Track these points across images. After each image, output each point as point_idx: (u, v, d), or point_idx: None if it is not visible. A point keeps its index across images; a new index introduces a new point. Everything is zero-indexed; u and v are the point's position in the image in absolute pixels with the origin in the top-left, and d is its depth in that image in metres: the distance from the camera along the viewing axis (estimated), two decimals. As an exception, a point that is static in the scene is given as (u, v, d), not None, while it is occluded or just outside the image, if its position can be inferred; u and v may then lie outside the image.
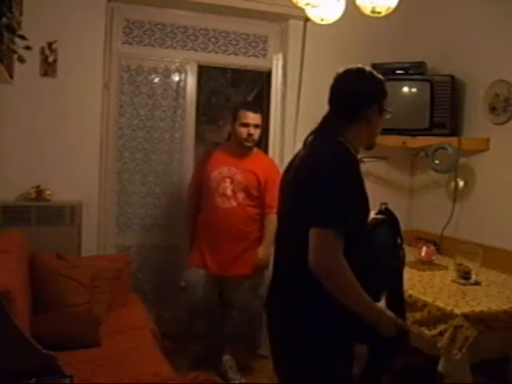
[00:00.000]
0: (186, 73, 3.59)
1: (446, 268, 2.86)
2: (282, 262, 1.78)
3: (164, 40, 3.50)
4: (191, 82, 3.60)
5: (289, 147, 3.52)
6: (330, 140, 1.69)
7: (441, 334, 2.16)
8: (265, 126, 3.30)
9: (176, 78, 3.58)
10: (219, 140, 4.27)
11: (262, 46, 3.70)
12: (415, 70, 3.45)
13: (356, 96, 1.73)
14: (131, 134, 3.49)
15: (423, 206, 3.70)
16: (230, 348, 3.21)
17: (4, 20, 1.92)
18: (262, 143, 3.50)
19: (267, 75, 3.77)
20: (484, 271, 2.68)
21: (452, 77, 3.29)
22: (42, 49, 3.07)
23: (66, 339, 2.33)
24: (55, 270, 2.64)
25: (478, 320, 2.13)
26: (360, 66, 1.76)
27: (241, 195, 3.05)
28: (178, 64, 3.57)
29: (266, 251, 3.01)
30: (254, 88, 4.41)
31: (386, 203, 1.84)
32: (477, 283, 2.55)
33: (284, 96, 3.56)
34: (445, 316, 2.17)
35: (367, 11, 2.45)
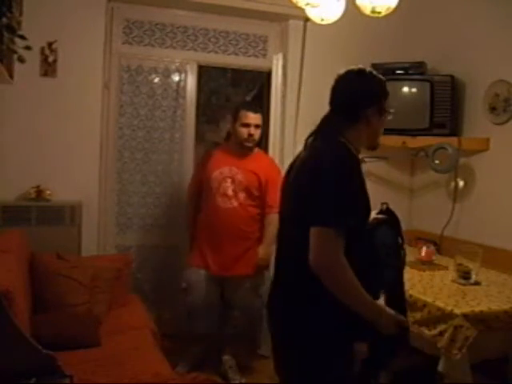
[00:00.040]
0: (185, 73, 3.59)
1: (446, 268, 2.86)
2: (283, 263, 1.78)
3: (164, 40, 3.50)
4: (191, 82, 3.60)
5: (289, 147, 3.52)
6: (330, 140, 1.70)
7: (441, 334, 2.16)
8: (265, 126, 3.30)
9: (176, 78, 3.58)
10: (219, 140, 4.27)
11: (262, 46, 3.70)
12: (415, 70, 3.45)
13: (356, 96, 1.74)
14: (131, 134, 3.49)
15: (423, 205, 3.70)
16: (230, 348, 3.21)
17: (4, 20, 1.92)
18: (262, 143, 3.50)
19: (267, 75, 3.77)
20: (484, 271, 2.68)
21: (452, 77, 3.29)
22: (42, 49, 3.07)
23: (66, 339, 2.32)
24: (55, 270, 2.64)
25: (478, 320, 2.13)
26: (361, 66, 1.77)
27: (242, 195, 3.05)
28: (178, 64, 3.57)
29: (266, 250, 3.01)
30: (253, 88, 4.42)
31: (386, 203, 1.84)
32: (477, 283, 2.55)
33: (284, 96, 3.56)
34: (445, 316, 2.17)
35: (367, 11, 2.45)
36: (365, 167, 1.73)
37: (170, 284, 3.51)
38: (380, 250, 1.71)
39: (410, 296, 2.34)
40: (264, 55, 3.70)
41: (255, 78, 4.32)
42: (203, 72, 3.92)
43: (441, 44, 3.49)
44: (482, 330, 2.11)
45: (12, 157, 3.05)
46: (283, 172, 3.26)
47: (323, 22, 2.65)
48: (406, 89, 3.41)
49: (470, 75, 3.28)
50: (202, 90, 4.14)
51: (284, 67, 3.55)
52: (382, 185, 3.70)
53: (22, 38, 2.08)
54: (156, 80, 3.54)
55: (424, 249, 3.02)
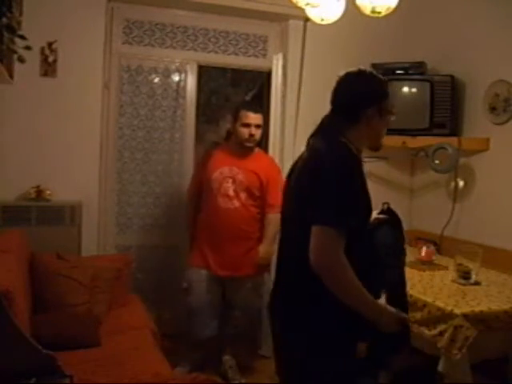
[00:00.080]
0: (186, 73, 3.59)
1: (446, 268, 2.86)
2: (284, 263, 1.79)
3: (164, 40, 3.50)
4: (191, 82, 3.60)
5: (289, 147, 3.52)
6: (331, 140, 1.70)
7: (441, 334, 2.16)
8: (265, 126, 3.30)
9: (176, 77, 3.58)
10: (218, 140, 4.26)
11: (262, 46, 3.70)
12: (415, 70, 3.45)
13: (354, 97, 1.75)
14: (131, 134, 3.49)
15: (423, 205, 3.70)
16: (231, 348, 3.21)
17: (4, 20, 1.92)
18: (262, 143, 3.50)
19: (267, 75, 3.77)
20: (484, 271, 2.68)
21: (452, 77, 3.29)
22: (42, 49, 3.07)
23: (66, 339, 2.32)
24: (55, 270, 2.64)
25: (478, 320, 2.13)
26: (361, 67, 1.77)
27: (243, 195, 3.04)
28: (178, 64, 3.57)
29: (267, 249, 3.01)
30: (253, 87, 4.42)
31: (387, 203, 1.85)
32: (477, 283, 2.55)
33: (284, 96, 3.56)
34: (445, 316, 2.17)
35: (367, 11, 2.45)
36: (365, 167, 1.73)
37: (170, 284, 3.51)
38: (381, 249, 1.72)
39: (410, 296, 2.33)
40: (264, 55, 3.70)
41: (255, 78, 4.31)
42: (203, 72, 3.92)
43: (441, 44, 3.49)
44: (482, 330, 2.11)
45: (12, 157, 3.05)
46: (283, 171, 3.29)
47: (323, 22, 2.65)
48: (405, 89, 3.41)
49: (470, 75, 3.27)
50: (202, 89, 4.14)
51: (284, 67, 3.55)
52: (382, 185, 3.70)
53: (22, 38, 2.08)
54: (156, 80, 3.54)
55: (424, 249, 3.02)
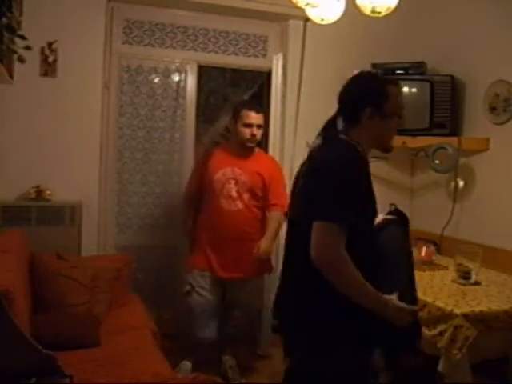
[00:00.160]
0: (185, 73, 3.59)
1: (446, 268, 2.86)
2: (291, 264, 1.80)
3: (164, 40, 3.50)
4: (191, 82, 3.60)
5: (289, 147, 3.52)
6: (335, 140, 1.73)
7: (441, 334, 2.16)
8: (265, 126, 3.29)
9: (176, 77, 3.58)
10: (217, 139, 4.25)
11: (262, 46, 3.70)
12: (415, 70, 3.44)
13: (353, 97, 1.77)
14: (131, 134, 3.49)
15: (423, 205, 3.70)
16: (231, 348, 3.21)
17: (4, 20, 1.92)
18: (262, 143, 3.50)
19: (267, 75, 3.77)
20: (484, 271, 2.68)
21: (452, 77, 3.29)
22: (42, 49, 3.07)
23: (66, 339, 2.32)
24: (55, 270, 2.64)
25: (478, 320, 2.13)
26: (367, 70, 1.80)
27: (246, 196, 3.02)
28: (178, 64, 3.57)
29: (267, 244, 3.00)
30: (252, 87, 4.41)
31: (394, 204, 1.87)
32: (477, 283, 2.54)
33: (284, 96, 3.56)
34: (445, 316, 2.17)
35: (367, 11, 2.45)
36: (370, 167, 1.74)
37: (170, 284, 3.51)
38: (391, 249, 1.73)
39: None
40: (264, 55, 3.70)
41: (255, 78, 4.31)
42: (203, 72, 3.92)
43: (441, 44, 3.49)
44: (482, 330, 2.11)
45: (12, 157, 3.05)
46: (283, 171, 3.29)
47: (323, 22, 2.65)
48: (405, 89, 3.40)
49: (470, 75, 3.27)
50: (202, 90, 4.14)
51: (284, 67, 3.55)
52: (382, 185, 3.70)
53: (22, 38, 2.09)
54: (156, 80, 3.54)
55: (424, 249, 3.02)
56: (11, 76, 2.43)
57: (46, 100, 3.11)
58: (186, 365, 3.07)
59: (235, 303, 3.15)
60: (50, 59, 3.09)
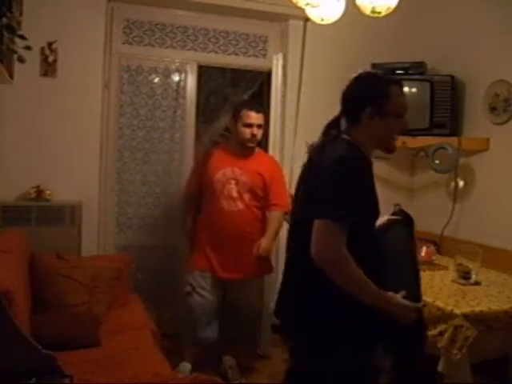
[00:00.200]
0: (185, 73, 3.59)
1: (446, 268, 2.86)
2: (294, 264, 1.80)
3: (164, 40, 3.50)
4: (191, 82, 3.60)
5: (289, 147, 3.52)
6: (337, 140, 1.74)
7: (441, 334, 2.16)
8: (265, 126, 3.29)
9: (176, 77, 3.58)
10: (217, 139, 4.24)
11: (262, 46, 3.70)
12: (415, 70, 3.44)
13: (354, 98, 1.78)
14: (131, 134, 3.49)
15: (423, 205, 3.70)
16: (231, 348, 3.21)
17: (4, 20, 1.92)
18: (262, 143, 3.50)
19: (267, 75, 3.77)
20: (484, 271, 2.68)
21: (452, 77, 3.29)
22: (42, 49, 3.07)
23: (66, 339, 2.32)
24: (55, 270, 2.64)
25: (478, 320, 2.13)
26: (370, 70, 1.80)
27: (247, 196, 3.02)
28: (178, 64, 3.57)
29: (268, 243, 3.00)
30: (252, 87, 4.41)
31: (399, 204, 1.88)
32: (477, 283, 2.54)
33: (284, 96, 3.56)
34: (445, 316, 2.17)
35: (367, 11, 2.45)
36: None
37: (170, 284, 3.50)
38: (395, 250, 1.73)
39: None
40: (264, 55, 3.70)
41: (255, 78, 4.31)
42: (203, 72, 3.92)
43: (441, 44, 3.49)
44: (481, 330, 2.11)
45: (12, 157, 3.05)
46: (283, 171, 3.29)
47: (323, 22, 2.65)
48: (406, 89, 3.37)
49: (470, 75, 3.27)
50: (202, 90, 4.14)
51: (284, 67, 3.55)
52: (382, 185, 3.68)
53: (22, 38, 2.09)
54: (156, 80, 3.54)
55: (424, 249, 3.01)
56: (11, 76, 2.43)
57: (46, 100, 3.11)
58: (186, 366, 3.07)
59: (236, 304, 3.14)
60: (50, 59, 3.09)
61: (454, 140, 3.19)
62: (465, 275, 2.56)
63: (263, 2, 3.40)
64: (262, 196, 3.07)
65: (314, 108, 3.45)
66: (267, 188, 3.06)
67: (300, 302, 1.72)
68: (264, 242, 2.99)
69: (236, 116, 3.05)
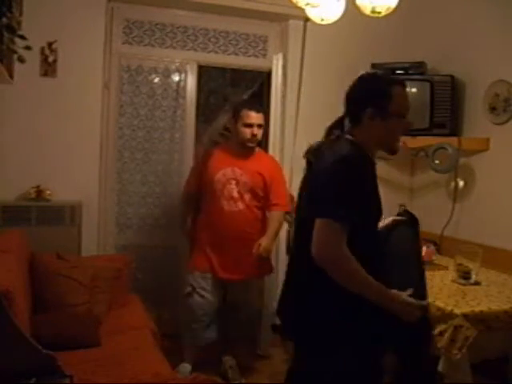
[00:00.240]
0: (185, 73, 3.59)
1: (446, 268, 2.86)
2: (297, 265, 1.81)
3: (164, 40, 3.50)
4: (191, 82, 3.60)
5: (289, 147, 3.52)
6: (340, 140, 1.75)
7: (441, 334, 2.15)
8: (265, 126, 3.29)
9: (176, 77, 3.58)
10: (216, 139, 4.24)
11: (262, 46, 3.70)
12: (415, 70, 3.44)
13: (356, 98, 1.79)
14: (131, 134, 3.49)
15: (423, 206, 3.70)
16: (231, 348, 3.20)
17: (4, 20, 1.92)
18: (262, 143, 3.50)
19: (267, 75, 3.77)
20: (484, 271, 2.68)
21: (452, 77, 3.29)
22: (42, 49, 3.07)
23: (66, 339, 2.32)
24: (55, 270, 2.64)
25: (478, 320, 2.13)
26: (374, 71, 1.81)
27: (247, 196, 3.01)
28: (178, 64, 3.57)
29: (268, 243, 2.99)
30: (252, 87, 4.41)
31: (404, 205, 1.88)
32: (477, 283, 2.54)
33: (284, 96, 3.56)
34: (445, 316, 2.17)
35: (367, 11, 2.45)
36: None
37: (170, 284, 3.50)
38: (400, 250, 1.74)
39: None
40: (264, 55, 3.70)
41: (255, 78, 4.31)
42: (203, 72, 3.92)
43: (441, 44, 3.49)
44: (481, 330, 2.11)
45: (12, 157, 3.05)
46: (283, 171, 3.29)
47: (323, 22, 2.65)
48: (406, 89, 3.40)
49: (470, 75, 3.27)
50: (202, 90, 4.14)
51: (284, 67, 3.55)
52: (382, 185, 3.66)
53: (22, 37, 2.09)
54: (156, 80, 3.54)
55: (424, 249, 3.00)
56: (11, 76, 2.43)
57: (46, 100, 3.11)
58: (186, 367, 3.07)
59: (236, 304, 3.14)
60: (50, 59, 3.09)
61: (454, 140, 3.19)
62: (465, 275, 2.56)
63: (263, 1, 3.40)
64: (262, 196, 3.06)
65: (314, 108, 3.45)
66: (268, 188, 3.05)
67: (301, 301, 1.72)
68: (264, 242, 2.98)
69: (236, 116, 3.04)
